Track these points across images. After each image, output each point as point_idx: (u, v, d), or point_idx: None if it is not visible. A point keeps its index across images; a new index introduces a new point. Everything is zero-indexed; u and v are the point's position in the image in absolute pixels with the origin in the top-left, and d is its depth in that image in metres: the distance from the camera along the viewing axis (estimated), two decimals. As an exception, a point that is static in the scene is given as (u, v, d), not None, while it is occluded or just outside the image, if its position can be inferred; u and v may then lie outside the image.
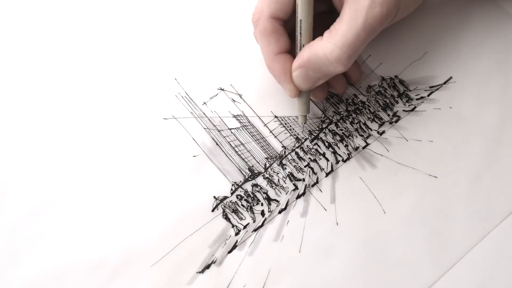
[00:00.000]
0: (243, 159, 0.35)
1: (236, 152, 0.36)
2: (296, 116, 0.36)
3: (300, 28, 0.31)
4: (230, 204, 0.34)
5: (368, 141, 0.36)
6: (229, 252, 0.33)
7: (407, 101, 0.36)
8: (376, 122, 0.36)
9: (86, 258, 0.33)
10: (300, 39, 0.31)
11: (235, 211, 0.34)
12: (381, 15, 0.29)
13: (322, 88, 0.35)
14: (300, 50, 0.31)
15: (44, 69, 0.38)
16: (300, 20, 0.30)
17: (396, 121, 0.36)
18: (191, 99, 0.37)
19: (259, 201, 0.35)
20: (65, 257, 0.33)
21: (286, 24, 0.32)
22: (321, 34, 0.30)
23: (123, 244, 0.33)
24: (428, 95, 0.36)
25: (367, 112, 0.36)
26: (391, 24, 0.32)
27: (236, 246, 0.33)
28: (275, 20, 0.31)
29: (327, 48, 0.29)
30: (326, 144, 0.36)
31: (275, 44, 0.31)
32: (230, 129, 0.36)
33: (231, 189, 0.35)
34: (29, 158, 0.35)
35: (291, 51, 0.32)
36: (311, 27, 0.31)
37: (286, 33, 0.32)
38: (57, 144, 0.36)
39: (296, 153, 0.36)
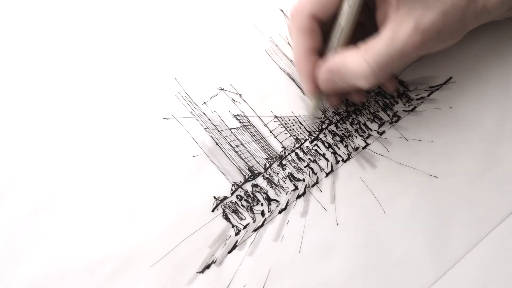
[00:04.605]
0: (243, 159, 0.35)
1: (236, 152, 0.36)
2: (296, 116, 0.36)
3: (339, 35, 0.31)
4: (230, 204, 0.34)
5: (368, 141, 0.35)
6: (229, 252, 0.33)
7: (407, 101, 0.36)
8: (376, 122, 0.36)
9: (86, 258, 0.33)
10: (336, 43, 0.31)
11: (235, 211, 0.34)
12: (422, 44, 0.28)
13: (339, 95, 0.35)
14: (334, 53, 0.31)
15: (44, 69, 0.38)
16: (342, 28, 0.30)
17: (396, 121, 0.36)
18: (191, 99, 0.37)
19: (259, 201, 0.35)
20: (65, 257, 0.33)
21: (323, 25, 0.32)
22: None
23: (123, 244, 0.33)
24: (428, 95, 0.36)
25: (367, 113, 0.36)
26: (426, 55, 0.30)
27: (236, 246, 0.33)
28: (314, 19, 0.31)
29: (358, 63, 0.29)
30: (326, 144, 0.36)
31: (309, 42, 0.32)
32: (230, 129, 0.36)
33: (231, 189, 0.35)
34: (29, 158, 0.35)
35: (321, 51, 0.32)
36: (350, 35, 0.31)
37: (321, 34, 0.32)
38: (57, 144, 0.36)
39: (296, 154, 0.36)
